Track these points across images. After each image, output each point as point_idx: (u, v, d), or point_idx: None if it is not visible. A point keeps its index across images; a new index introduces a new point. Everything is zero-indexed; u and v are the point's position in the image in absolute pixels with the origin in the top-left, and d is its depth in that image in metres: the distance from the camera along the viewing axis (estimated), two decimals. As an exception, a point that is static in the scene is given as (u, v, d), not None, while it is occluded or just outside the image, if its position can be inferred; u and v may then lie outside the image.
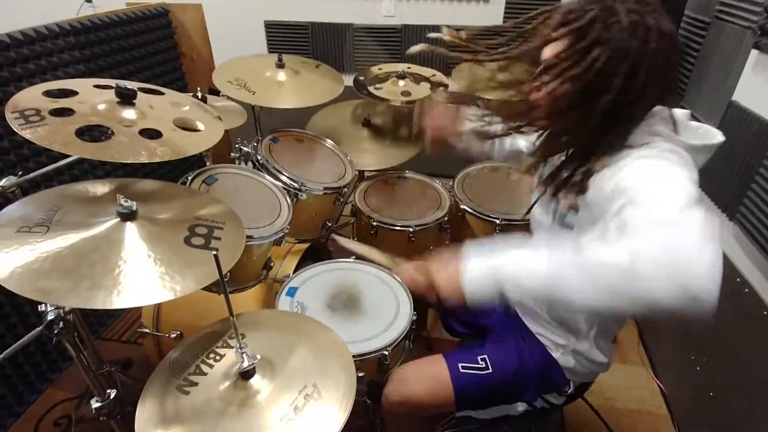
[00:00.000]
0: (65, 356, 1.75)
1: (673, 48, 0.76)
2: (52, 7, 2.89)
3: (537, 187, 1.03)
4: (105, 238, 0.81)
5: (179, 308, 1.47)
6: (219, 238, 0.92)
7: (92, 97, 1.04)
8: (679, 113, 0.86)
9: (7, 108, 0.91)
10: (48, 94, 1.00)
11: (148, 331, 1.46)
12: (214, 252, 0.65)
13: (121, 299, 0.72)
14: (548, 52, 0.81)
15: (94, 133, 0.94)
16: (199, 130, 1.11)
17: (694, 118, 0.93)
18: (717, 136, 0.87)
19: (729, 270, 1.33)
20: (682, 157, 0.75)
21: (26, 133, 0.87)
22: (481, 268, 0.78)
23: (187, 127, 1.10)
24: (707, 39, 1.59)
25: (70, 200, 0.91)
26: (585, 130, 0.81)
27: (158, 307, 1.48)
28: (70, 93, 1.03)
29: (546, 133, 0.92)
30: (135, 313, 1.98)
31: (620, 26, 0.73)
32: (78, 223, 0.83)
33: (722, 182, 1.39)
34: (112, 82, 1.07)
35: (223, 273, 0.71)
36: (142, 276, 0.77)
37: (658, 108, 0.83)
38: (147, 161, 0.92)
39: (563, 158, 0.88)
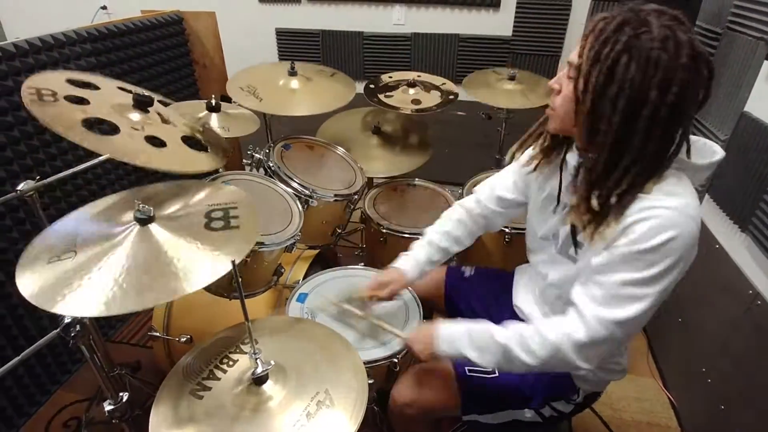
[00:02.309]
0: (75, 358, 1.76)
1: (706, 67, 0.74)
2: (68, 15, 2.96)
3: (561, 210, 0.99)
4: (135, 244, 0.82)
5: (189, 312, 1.48)
6: (237, 217, 0.93)
7: (112, 96, 1.04)
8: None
9: (25, 83, 0.87)
10: (71, 82, 0.99)
11: (158, 334, 1.47)
12: (232, 259, 0.66)
13: (190, 284, 0.75)
14: (574, 55, 0.81)
15: (103, 126, 0.94)
16: (207, 151, 1.11)
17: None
18: (717, 152, 0.87)
19: (741, 282, 1.33)
20: (689, 203, 0.78)
21: (33, 108, 0.83)
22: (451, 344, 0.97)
23: (196, 144, 1.10)
24: (719, 50, 1.59)
25: (84, 222, 0.90)
26: (633, 152, 0.77)
27: (168, 312, 1.49)
28: (92, 86, 1.03)
29: (592, 165, 0.83)
30: (144, 316, 1.99)
31: (651, 36, 0.72)
32: (102, 238, 0.83)
33: (734, 193, 1.39)
34: (134, 89, 1.08)
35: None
36: (189, 260, 0.79)
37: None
38: (140, 165, 0.91)
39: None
